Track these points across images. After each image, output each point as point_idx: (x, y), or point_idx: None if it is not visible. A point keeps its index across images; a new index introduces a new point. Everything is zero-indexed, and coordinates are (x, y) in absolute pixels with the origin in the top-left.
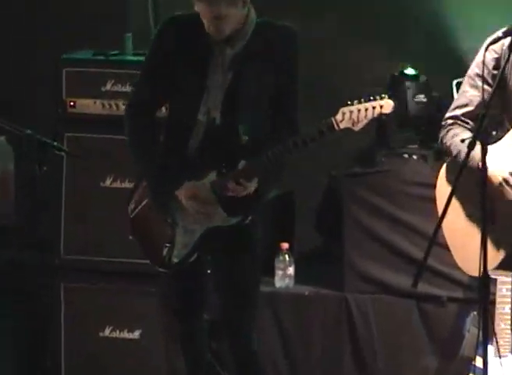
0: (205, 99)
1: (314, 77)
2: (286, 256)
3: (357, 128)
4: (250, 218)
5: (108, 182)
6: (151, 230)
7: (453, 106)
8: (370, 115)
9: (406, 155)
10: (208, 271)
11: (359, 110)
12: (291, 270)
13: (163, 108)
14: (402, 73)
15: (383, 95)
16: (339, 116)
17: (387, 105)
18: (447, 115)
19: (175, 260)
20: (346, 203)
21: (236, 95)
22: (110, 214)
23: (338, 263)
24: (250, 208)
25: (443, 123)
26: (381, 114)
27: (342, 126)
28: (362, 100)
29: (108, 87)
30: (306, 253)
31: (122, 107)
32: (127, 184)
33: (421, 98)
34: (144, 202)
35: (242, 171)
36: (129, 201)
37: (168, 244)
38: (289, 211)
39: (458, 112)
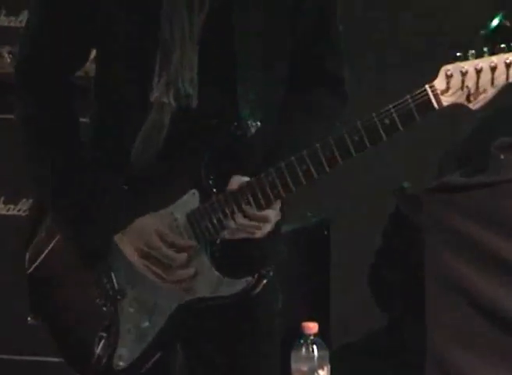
0: (161, 62)
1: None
2: (314, 348)
3: (475, 105)
4: (267, 278)
5: None
6: (71, 302)
7: None
8: (502, 78)
9: None
10: None
11: (479, 69)
12: None
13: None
14: None
15: None
16: (440, 82)
17: None
18: None
19: (120, 365)
20: (432, 243)
21: (229, 53)
22: None
23: (414, 360)
24: (268, 259)
25: None
26: None
27: (447, 101)
28: (484, 50)
29: None
30: (353, 341)
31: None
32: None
33: None
34: (52, 245)
35: (251, 190)
36: (27, 243)
37: (104, 334)
38: (321, 262)
39: None
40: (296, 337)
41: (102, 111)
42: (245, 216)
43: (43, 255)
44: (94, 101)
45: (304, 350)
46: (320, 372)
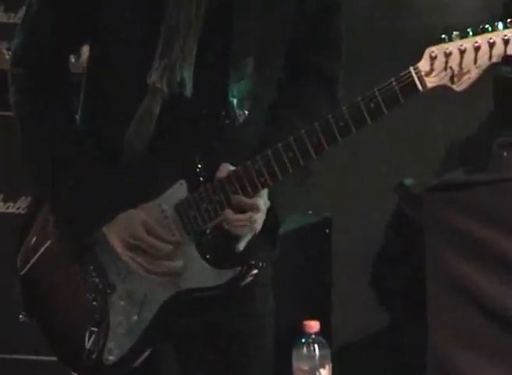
0: (163, 46)
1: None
2: (316, 347)
3: (459, 86)
4: (256, 269)
5: None
6: (62, 298)
7: None
8: (485, 58)
9: None
10: None
11: (463, 50)
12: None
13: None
14: None
15: (511, 21)
16: (424, 63)
17: None
18: None
19: (110, 359)
20: (434, 242)
21: (224, 42)
22: None
23: (415, 360)
24: (257, 250)
25: None
26: (506, 58)
27: (431, 82)
28: (468, 31)
29: None
30: (354, 340)
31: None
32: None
33: None
34: (47, 244)
35: (238, 179)
36: (20, 244)
37: (94, 329)
38: (322, 261)
39: None
40: (298, 335)
41: (95, 100)
42: (235, 210)
43: (36, 256)
44: (86, 91)
45: (305, 349)
46: (321, 371)
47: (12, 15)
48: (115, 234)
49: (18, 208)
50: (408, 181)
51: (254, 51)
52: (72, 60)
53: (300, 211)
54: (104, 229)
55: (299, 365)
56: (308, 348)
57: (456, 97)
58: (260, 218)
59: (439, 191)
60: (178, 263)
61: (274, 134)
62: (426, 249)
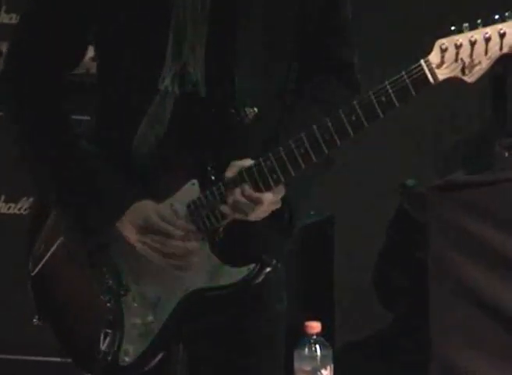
0: (173, 48)
1: None
2: (317, 348)
3: (470, 77)
4: (269, 267)
5: None
6: (75, 300)
7: None
8: (495, 49)
9: None
10: None
11: (473, 41)
12: None
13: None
14: None
15: None
16: (435, 56)
17: None
18: None
19: (126, 360)
20: (436, 241)
21: (230, 38)
22: None
23: (417, 359)
24: (272, 247)
25: None
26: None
27: (442, 74)
28: (478, 22)
29: None
30: (356, 340)
31: None
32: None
33: None
34: (57, 244)
35: (250, 176)
36: (30, 246)
37: (109, 331)
38: (325, 261)
39: None
40: (299, 336)
41: (106, 101)
42: (243, 195)
43: (46, 257)
44: (98, 93)
45: (307, 349)
46: (323, 371)
47: (14, 15)
48: (127, 223)
49: (19, 209)
50: (411, 181)
51: (260, 48)
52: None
53: None
54: (118, 224)
55: (301, 365)
56: (310, 348)
57: (458, 97)
58: (260, 211)
59: (442, 191)
60: (189, 245)
61: (293, 125)
62: (429, 249)
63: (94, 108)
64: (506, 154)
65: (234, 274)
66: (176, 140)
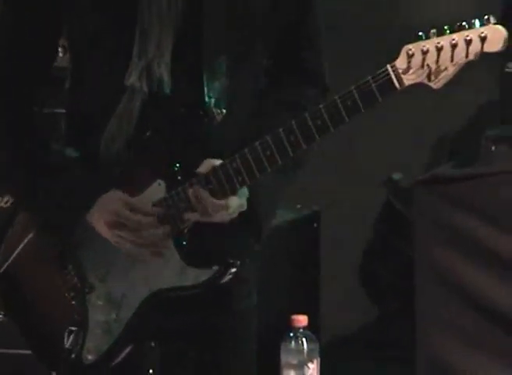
0: (139, 46)
1: None
2: (304, 341)
3: (436, 84)
4: (234, 268)
5: None
6: (41, 297)
7: None
8: (461, 56)
9: None
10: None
11: (440, 47)
12: (312, 369)
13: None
14: None
15: (487, 18)
16: (401, 61)
17: (495, 34)
18: None
19: (89, 359)
20: (423, 236)
21: (198, 37)
22: None
23: (403, 354)
24: (238, 248)
25: None
26: (481, 54)
27: (408, 80)
28: (446, 28)
29: None
30: (342, 334)
31: None
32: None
33: None
34: (26, 241)
35: (215, 176)
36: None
37: (73, 329)
38: (311, 255)
39: None
40: (286, 330)
41: (76, 101)
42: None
43: (15, 254)
44: (69, 92)
45: (293, 343)
46: (310, 365)
47: None
48: (97, 215)
49: (6, 203)
50: (397, 175)
51: (226, 50)
52: (60, 54)
53: (288, 205)
54: (88, 219)
55: (287, 359)
56: (297, 342)
57: (445, 91)
58: (225, 214)
59: (429, 185)
60: (160, 230)
61: (259, 128)
62: (415, 243)
63: (65, 106)
64: (493, 147)
65: (198, 275)
66: (143, 139)
